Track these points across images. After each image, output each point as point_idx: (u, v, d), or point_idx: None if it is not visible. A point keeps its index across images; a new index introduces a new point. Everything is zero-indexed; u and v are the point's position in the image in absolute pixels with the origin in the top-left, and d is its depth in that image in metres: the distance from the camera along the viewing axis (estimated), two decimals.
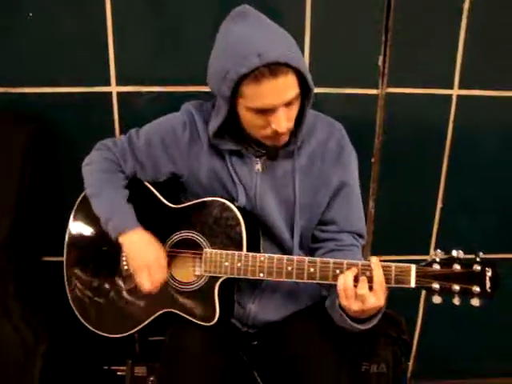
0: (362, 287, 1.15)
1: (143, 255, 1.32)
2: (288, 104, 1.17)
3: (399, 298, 1.74)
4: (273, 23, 1.21)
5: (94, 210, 1.39)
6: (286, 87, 1.14)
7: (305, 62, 1.20)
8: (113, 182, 1.40)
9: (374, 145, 1.81)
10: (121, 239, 1.34)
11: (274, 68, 1.10)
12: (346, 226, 1.38)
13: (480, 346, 2.13)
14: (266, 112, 1.17)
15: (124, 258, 1.41)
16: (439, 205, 1.90)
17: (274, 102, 1.15)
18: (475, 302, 1.11)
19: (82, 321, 1.45)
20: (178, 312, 1.34)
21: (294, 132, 1.28)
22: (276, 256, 1.25)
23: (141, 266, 1.32)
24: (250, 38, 1.13)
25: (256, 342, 1.49)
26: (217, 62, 1.19)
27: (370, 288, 1.15)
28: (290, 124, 1.22)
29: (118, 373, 1.82)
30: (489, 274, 1.10)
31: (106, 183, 1.39)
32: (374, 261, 1.17)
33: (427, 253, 1.93)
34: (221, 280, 1.30)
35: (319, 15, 1.66)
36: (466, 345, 2.12)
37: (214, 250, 1.29)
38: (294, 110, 1.20)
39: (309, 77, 1.17)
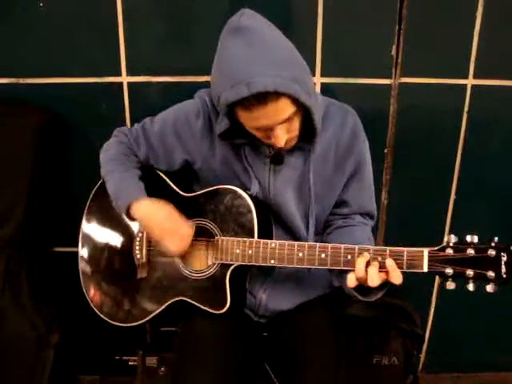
0: (372, 278, 1.14)
1: (159, 220, 1.30)
2: (286, 120, 1.15)
3: (411, 292, 1.73)
4: (268, 33, 1.15)
5: (107, 190, 1.39)
6: (277, 112, 1.12)
7: (300, 76, 1.15)
8: (125, 162, 1.40)
9: (387, 135, 1.79)
10: (132, 212, 1.33)
11: (262, 96, 1.08)
12: (358, 209, 1.39)
13: (492, 339, 2.11)
14: (263, 129, 1.18)
15: (137, 248, 1.41)
16: (453, 196, 1.88)
17: (267, 124, 1.14)
18: (490, 288, 1.08)
19: (96, 310, 1.45)
20: (190, 300, 1.34)
21: (308, 136, 1.26)
22: (287, 242, 1.24)
23: (162, 232, 1.30)
24: (241, 61, 1.10)
25: (266, 334, 1.49)
26: (213, 81, 1.20)
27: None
28: (292, 134, 1.21)
29: (130, 363, 1.83)
30: (504, 258, 1.07)
31: (118, 164, 1.39)
32: (390, 263, 1.15)
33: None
34: (232, 267, 1.29)
35: (332, 5, 1.65)
36: (478, 338, 2.11)
37: (226, 238, 1.29)
38: (295, 122, 1.19)
39: (302, 96, 1.12)
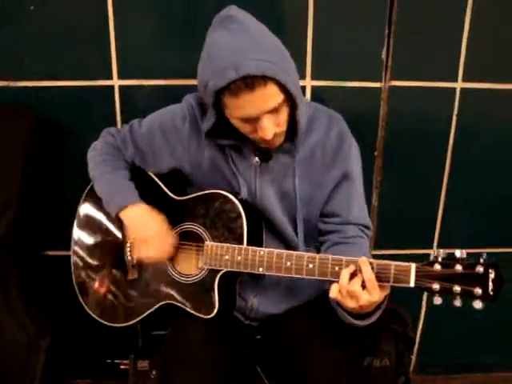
0: (352, 284, 1.13)
1: (147, 227, 1.33)
2: (273, 111, 1.15)
3: (402, 293, 1.73)
4: (257, 26, 1.17)
5: (96, 192, 1.40)
6: (264, 98, 1.12)
7: (288, 69, 1.16)
8: (113, 164, 1.41)
9: (377, 138, 1.80)
10: (122, 215, 1.34)
11: (250, 81, 1.09)
12: (349, 218, 1.37)
13: (483, 340, 2.12)
14: (250, 120, 1.17)
15: (128, 249, 1.41)
16: (442, 199, 1.89)
17: (254, 112, 1.14)
18: (477, 304, 1.07)
19: (87, 309, 1.45)
20: (178, 304, 1.34)
21: (291, 136, 1.27)
22: (276, 251, 1.23)
23: (144, 238, 1.32)
24: (229, 48, 1.11)
25: (259, 337, 1.49)
26: (200, 71, 1.20)
27: (364, 286, 1.13)
28: (279, 128, 1.21)
29: (121, 366, 1.83)
30: (492, 275, 1.05)
31: (106, 165, 1.41)
32: (361, 260, 1.14)
33: (430, 247, 1.92)
34: (221, 273, 1.29)
35: (322, 8, 1.65)
36: (469, 339, 2.11)
37: (215, 243, 1.29)
38: (282, 114, 1.19)
39: (290, 85, 1.13)
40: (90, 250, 1.47)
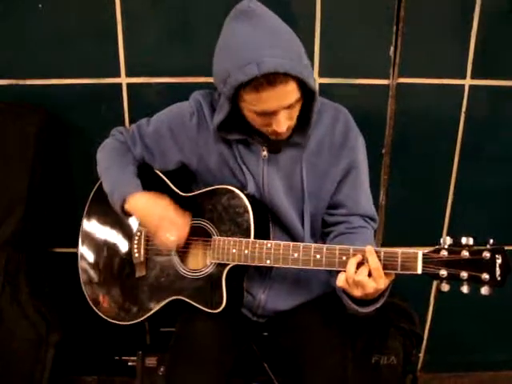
0: (359, 273, 1.14)
1: (154, 214, 1.31)
2: (289, 106, 1.17)
3: (410, 291, 1.73)
4: (277, 22, 1.18)
5: (103, 188, 1.40)
6: (285, 95, 1.14)
7: (307, 65, 1.18)
8: (121, 159, 1.42)
9: (385, 135, 1.80)
10: (127, 206, 1.34)
11: (272, 78, 1.10)
12: (355, 209, 1.38)
13: (491, 338, 2.11)
14: (266, 114, 1.18)
15: (135, 247, 1.42)
16: (451, 196, 1.88)
17: (273, 107, 1.16)
18: (485, 290, 1.07)
19: (94, 308, 1.46)
20: (186, 299, 1.35)
21: (302, 128, 1.28)
22: (283, 243, 1.24)
23: (155, 225, 1.31)
24: (251, 42, 1.12)
25: (266, 333, 1.49)
26: (219, 63, 1.20)
27: (370, 274, 1.14)
28: (291, 122, 1.23)
29: (129, 363, 1.83)
30: (499, 261, 1.06)
31: (115, 160, 1.42)
32: (368, 249, 1.16)
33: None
34: (229, 267, 1.30)
35: (330, 6, 1.65)
36: (477, 337, 2.11)
37: (222, 238, 1.30)
38: (296, 109, 1.21)
39: (310, 82, 1.16)
40: (96, 253, 1.48)
